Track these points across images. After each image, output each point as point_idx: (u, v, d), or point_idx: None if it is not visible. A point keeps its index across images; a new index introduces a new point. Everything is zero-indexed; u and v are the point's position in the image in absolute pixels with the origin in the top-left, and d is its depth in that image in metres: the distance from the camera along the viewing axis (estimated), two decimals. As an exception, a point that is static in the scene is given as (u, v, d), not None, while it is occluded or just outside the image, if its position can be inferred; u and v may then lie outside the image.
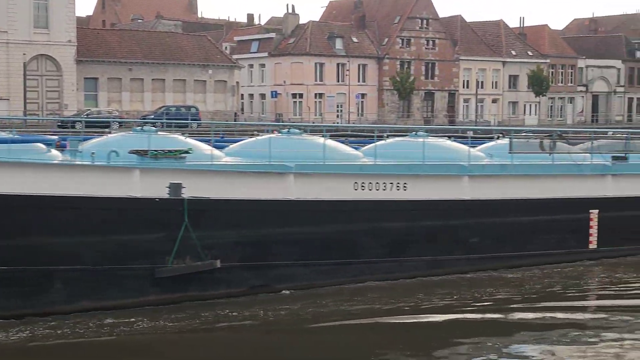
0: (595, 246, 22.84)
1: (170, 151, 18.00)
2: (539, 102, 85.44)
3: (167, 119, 55.24)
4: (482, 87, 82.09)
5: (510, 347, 15.32)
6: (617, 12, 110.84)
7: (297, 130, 21.58)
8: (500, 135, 27.37)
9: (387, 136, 23.71)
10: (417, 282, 19.77)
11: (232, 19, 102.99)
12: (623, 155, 23.99)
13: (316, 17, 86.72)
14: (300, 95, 74.06)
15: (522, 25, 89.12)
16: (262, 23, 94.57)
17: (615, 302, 18.90)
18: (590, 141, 25.56)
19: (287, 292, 18.33)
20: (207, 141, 20.79)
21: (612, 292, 19.96)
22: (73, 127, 36.22)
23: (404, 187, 19.93)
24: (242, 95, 76.49)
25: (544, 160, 22.62)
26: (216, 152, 19.59)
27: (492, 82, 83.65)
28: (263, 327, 16.31)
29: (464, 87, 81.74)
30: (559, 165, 22.61)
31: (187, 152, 18.22)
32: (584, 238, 22.70)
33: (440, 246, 20.49)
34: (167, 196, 17.16)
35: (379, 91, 77.47)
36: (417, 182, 20.14)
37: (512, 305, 18.07)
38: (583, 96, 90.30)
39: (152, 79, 65.45)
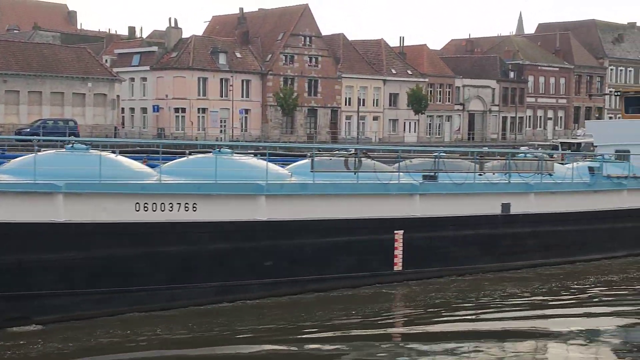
0: (400, 268, 21.98)
1: None
2: (418, 120, 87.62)
3: (44, 133, 54.05)
4: (363, 105, 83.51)
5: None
6: (492, 33, 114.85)
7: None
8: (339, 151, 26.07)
9: (220, 151, 21.56)
10: (204, 310, 18.35)
11: (113, 32, 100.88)
12: (433, 174, 23.41)
13: (199, 32, 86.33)
14: (183, 110, 73.34)
15: (402, 45, 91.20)
16: (144, 36, 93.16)
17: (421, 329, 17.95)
18: (422, 159, 25.30)
19: (45, 325, 16.49)
20: None
21: (416, 316, 19.20)
22: None
23: (194, 207, 18.58)
24: (122, 109, 75.10)
25: (348, 179, 21.70)
26: None
27: (374, 100, 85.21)
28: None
29: (346, 104, 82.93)
30: (364, 185, 21.65)
31: None
32: (389, 260, 21.80)
33: (232, 271, 19.11)
34: None
35: (262, 107, 77.64)
36: (208, 202, 18.80)
37: (305, 336, 16.95)
38: (460, 114, 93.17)
39: (29, 91, 63.43)
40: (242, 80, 76.52)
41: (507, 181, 24.57)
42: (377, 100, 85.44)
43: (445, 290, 21.65)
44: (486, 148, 58.91)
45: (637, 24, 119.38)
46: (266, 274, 19.67)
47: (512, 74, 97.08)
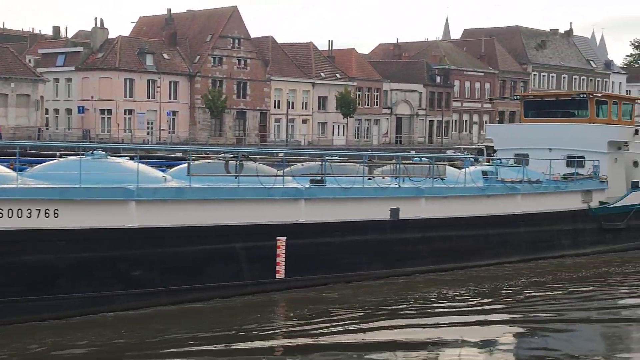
0: (283, 276, 20.96)
1: None
2: (347, 123, 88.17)
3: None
4: (292, 108, 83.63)
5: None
6: (419, 38, 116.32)
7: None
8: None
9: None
10: (66, 323, 17.05)
11: (37, 31, 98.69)
12: (320, 178, 22.51)
13: (126, 32, 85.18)
14: (109, 111, 72.22)
15: (330, 49, 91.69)
16: (69, 36, 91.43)
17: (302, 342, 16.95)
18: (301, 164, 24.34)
19: None
20: None
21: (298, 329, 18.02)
22: None
23: (55, 213, 17.30)
24: (46, 110, 73.51)
25: (229, 183, 20.61)
26: None
27: (303, 103, 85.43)
28: None
29: (275, 107, 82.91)
30: (245, 189, 20.48)
31: None
32: (271, 267, 20.78)
33: (98, 281, 17.91)
34: None
35: (190, 109, 77.00)
36: (71, 208, 17.48)
37: (173, 350, 15.93)
38: (388, 118, 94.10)
39: (-53, 91, 61.64)
40: (170, 82, 75.78)
41: (397, 185, 23.99)
42: (306, 103, 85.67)
43: (329, 299, 20.70)
44: (413, 152, 59.56)
45: (560, 31, 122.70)
46: (136, 284, 18.42)
47: (438, 79, 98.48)
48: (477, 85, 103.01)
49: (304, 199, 21.50)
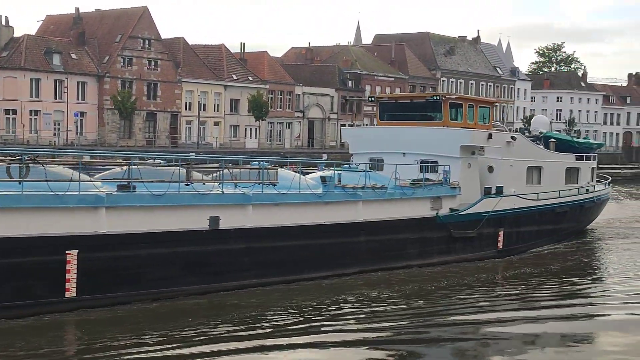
0: (74, 294, 18.67)
1: None
2: (259, 126, 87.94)
3: None
4: (204, 110, 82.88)
5: None
6: (331, 42, 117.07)
7: None
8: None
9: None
10: None
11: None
12: (127, 184, 20.11)
13: (32, 31, 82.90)
14: (14, 112, 70.09)
15: (242, 51, 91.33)
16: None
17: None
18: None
19: None
20: None
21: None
22: None
23: None
24: (-53, 109, 70.85)
25: (11, 189, 18.09)
26: None
27: (214, 105, 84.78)
28: None
29: (186, 109, 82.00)
30: (29, 197, 18.09)
31: None
32: (59, 285, 18.43)
33: None
34: None
35: (99, 110, 75.43)
36: None
37: None
38: (300, 122, 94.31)
39: None
40: (78, 82, 74.06)
41: (219, 192, 21.85)
42: (218, 105, 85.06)
43: (130, 319, 18.43)
44: (325, 156, 59.24)
45: (468, 38, 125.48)
46: None
47: (350, 83, 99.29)
48: (388, 90, 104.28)
49: (104, 207, 19.21)
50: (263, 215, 22.56)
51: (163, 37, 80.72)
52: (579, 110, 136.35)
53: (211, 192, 21.59)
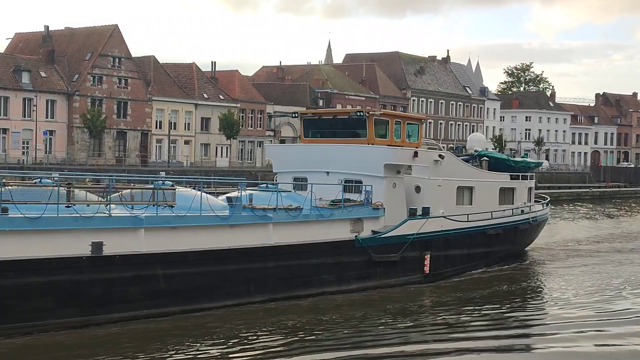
0: None
1: None
2: (230, 145, 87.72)
3: None
4: (174, 128, 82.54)
5: None
6: (302, 61, 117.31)
7: None
8: None
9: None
10: None
11: None
12: None
13: (1, 49, 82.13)
14: (-18, 130, 69.34)
15: (213, 70, 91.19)
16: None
17: None
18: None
19: None
20: None
21: None
22: None
23: None
24: None
25: None
26: None
27: (185, 124, 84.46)
28: None
29: (156, 128, 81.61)
30: None
31: None
32: None
33: None
34: None
35: (69, 128, 74.79)
36: None
37: None
38: (272, 140, 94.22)
39: None
40: (47, 100, 73.44)
41: (106, 214, 19.89)
42: (188, 124, 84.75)
43: None
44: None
45: (437, 58, 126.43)
46: None
47: (321, 102, 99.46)
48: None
49: None
50: (157, 240, 20.54)
51: (133, 55, 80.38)
52: (548, 130, 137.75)
53: (95, 215, 19.49)
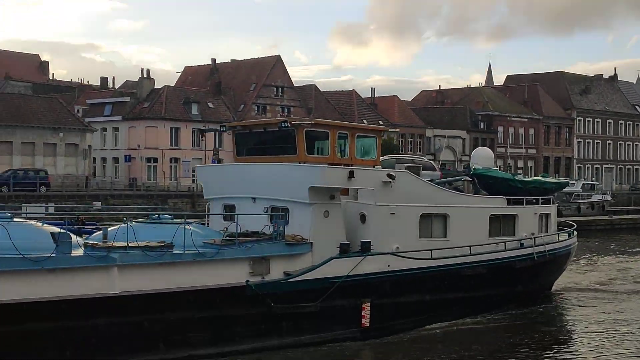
0: None
1: None
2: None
3: (14, 183, 53.70)
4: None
5: None
6: (461, 85, 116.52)
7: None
8: None
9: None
10: None
11: (85, 82, 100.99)
12: None
13: (172, 82, 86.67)
14: (155, 160, 73.23)
15: (373, 96, 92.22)
16: (116, 86, 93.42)
17: None
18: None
19: None
20: None
21: None
22: None
23: None
24: (94, 158, 74.86)
25: None
26: None
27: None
28: None
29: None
30: None
31: None
32: None
33: None
34: None
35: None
36: None
37: None
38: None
39: (-1, 141, 63.23)
40: (215, 131, 76.52)
41: None
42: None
43: None
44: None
45: (604, 76, 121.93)
46: None
47: (482, 125, 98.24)
48: (521, 130, 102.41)
49: None
50: None
51: (295, 84, 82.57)
52: None
53: None
